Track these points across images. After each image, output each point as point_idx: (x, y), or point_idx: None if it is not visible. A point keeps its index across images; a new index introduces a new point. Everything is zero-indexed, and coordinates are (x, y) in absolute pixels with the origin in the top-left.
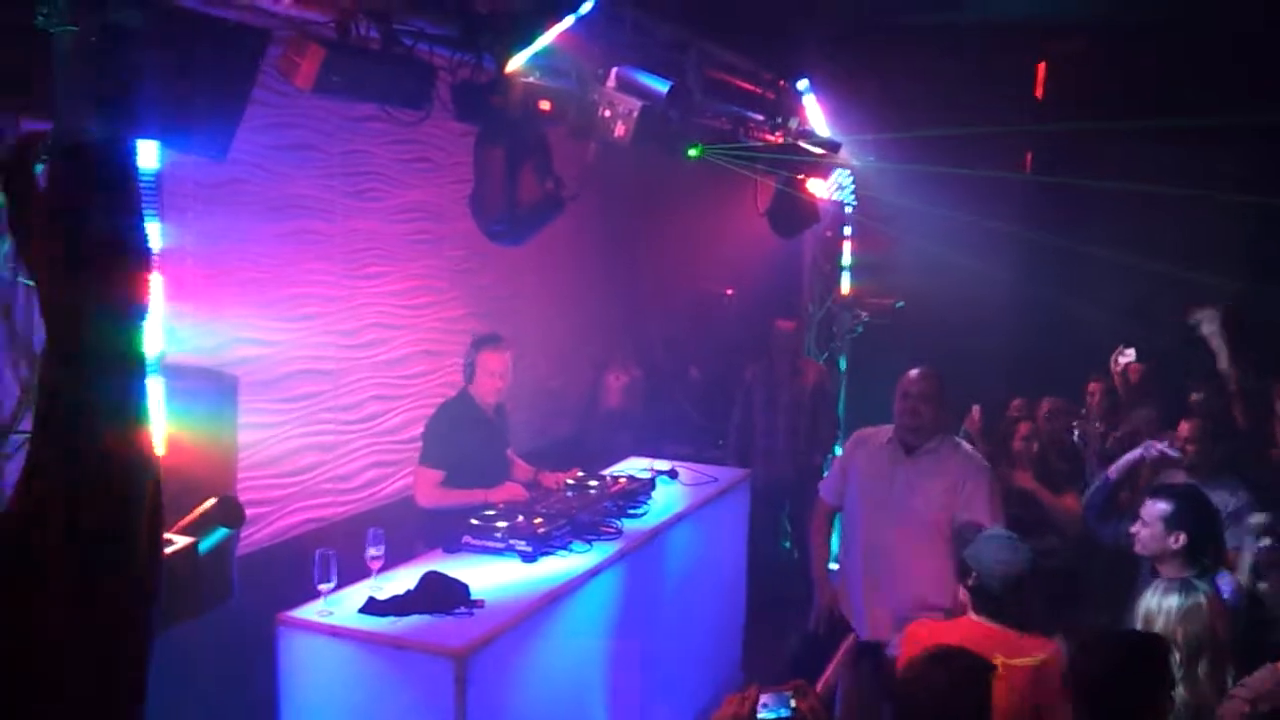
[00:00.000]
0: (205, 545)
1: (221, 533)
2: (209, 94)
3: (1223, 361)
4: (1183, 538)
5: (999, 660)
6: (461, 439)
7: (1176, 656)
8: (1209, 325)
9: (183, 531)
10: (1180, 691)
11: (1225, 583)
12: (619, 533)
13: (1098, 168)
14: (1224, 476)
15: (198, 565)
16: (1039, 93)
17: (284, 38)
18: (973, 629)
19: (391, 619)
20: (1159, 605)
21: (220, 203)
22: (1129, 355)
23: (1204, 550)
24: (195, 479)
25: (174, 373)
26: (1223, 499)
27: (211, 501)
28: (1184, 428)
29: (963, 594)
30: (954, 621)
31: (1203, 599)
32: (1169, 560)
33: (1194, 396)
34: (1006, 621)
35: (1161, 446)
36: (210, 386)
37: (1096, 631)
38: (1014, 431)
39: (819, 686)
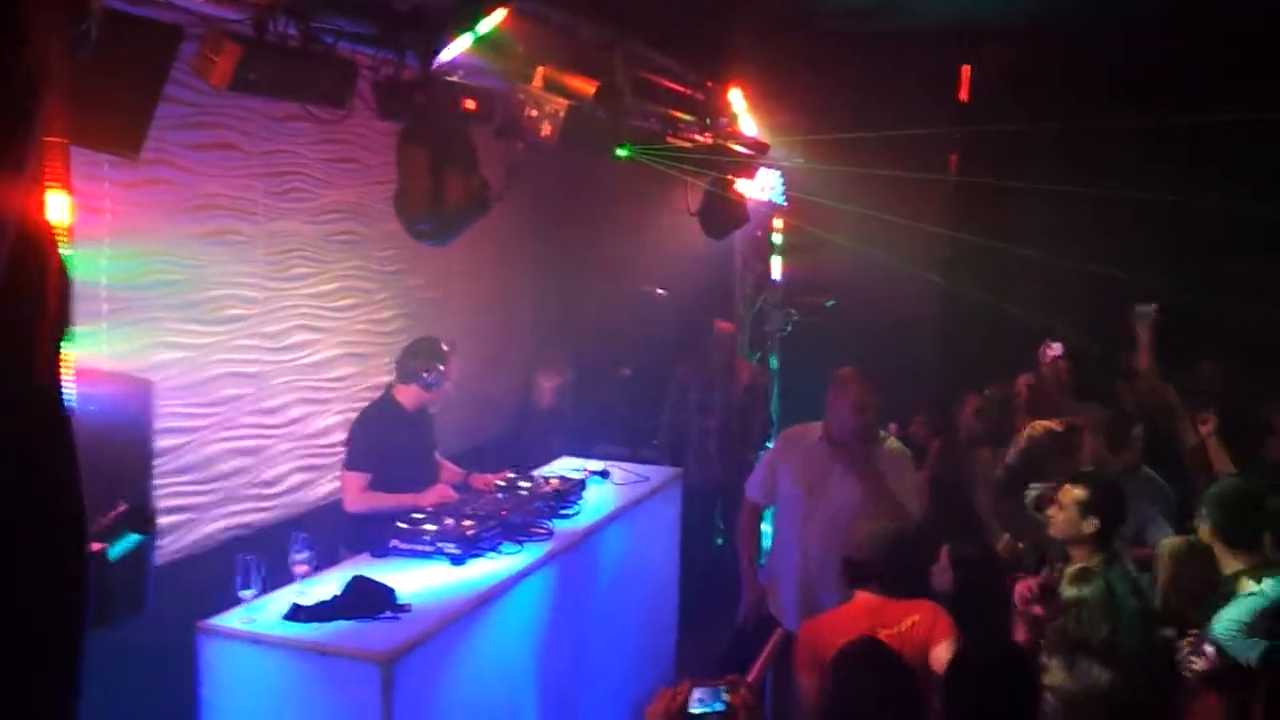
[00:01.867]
0: (115, 552)
1: (132, 539)
2: (120, 91)
3: (1143, 360)
4: (1094, 523)
5: (880, 634)
6: (388, 441)
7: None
8: (1142, 323)
9: (92, 539)
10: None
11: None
12: (550, 534)
13: (1021, 169)
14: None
15: (108, 572)
16: (963, 95)
17: (200, 35)
18: (855, 605)
19: (316, 625)
20: (1066, 593)
21: (137, 203)
22: (1056, 348)
23: (1112, 537)
24: (107, 487)
25: (85, 378)
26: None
27: (120, 507)
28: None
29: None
30: (842, 607)
31: (1098, 592)
32: (1080, 545)
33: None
34: (878, 588)
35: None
36: (123, 391)
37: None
38: (971, 455)
39: (749, 679)
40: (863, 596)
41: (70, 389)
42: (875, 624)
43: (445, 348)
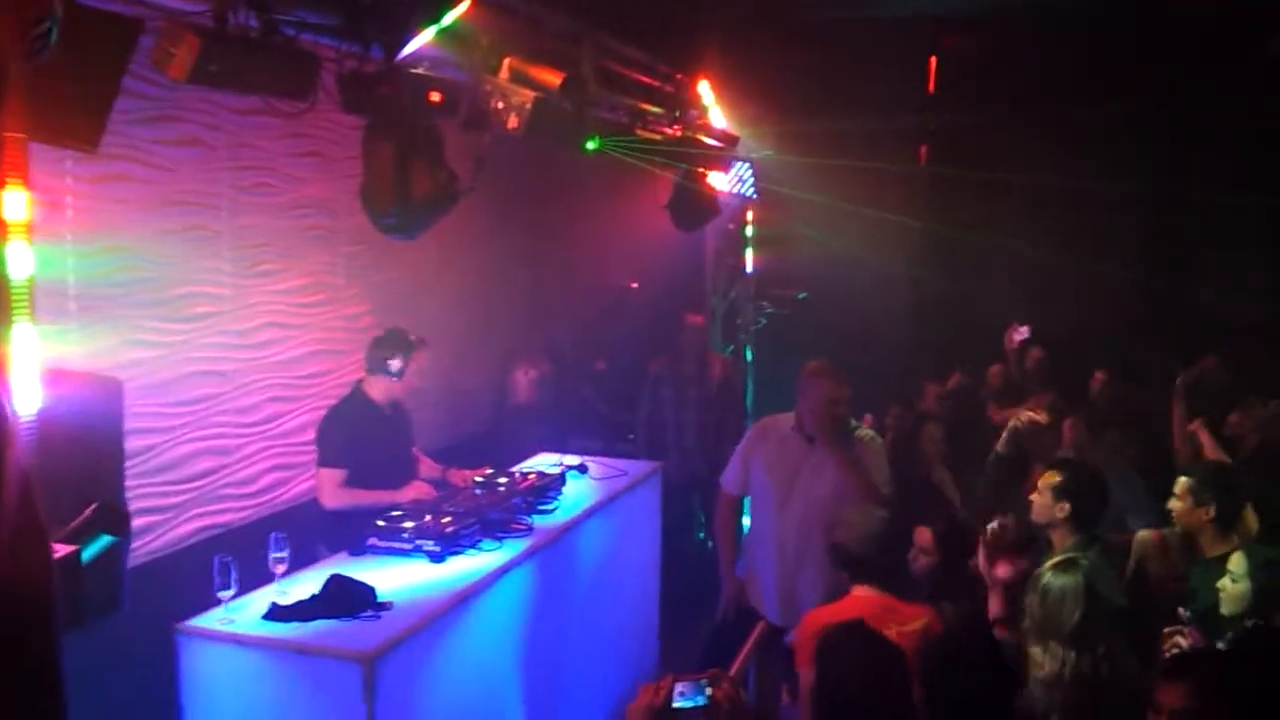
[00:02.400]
0: (88, 553)
1: (105, 540)
2: (78, 84)
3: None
4: (1067, 506)
5: (893, 630)
6: (360, 437)
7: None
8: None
9: (64, 540)
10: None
11: None
12: (529, 530)
13: (990, 159)
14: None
15: (81, 574)
16: (931, 87)
17: (159, 27)
18: (861, 603)
19: (296, 625)
20: (1047, 583)
21: (101, 199)
22: (1023, 332)
23: (1089, 520)
24: (77, 489)
25: (53, 378)
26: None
27: (91, 508)
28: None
29: (841, 575)
30: (843, 601)
31: (1079, 580)
32: (1057, 528)
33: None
34: (883, 585)
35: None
36: (92, 391)
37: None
38: (920, 431)
39: (731, 673)
40: (864, 592)
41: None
42: (885, 620)
43: (413, 339)
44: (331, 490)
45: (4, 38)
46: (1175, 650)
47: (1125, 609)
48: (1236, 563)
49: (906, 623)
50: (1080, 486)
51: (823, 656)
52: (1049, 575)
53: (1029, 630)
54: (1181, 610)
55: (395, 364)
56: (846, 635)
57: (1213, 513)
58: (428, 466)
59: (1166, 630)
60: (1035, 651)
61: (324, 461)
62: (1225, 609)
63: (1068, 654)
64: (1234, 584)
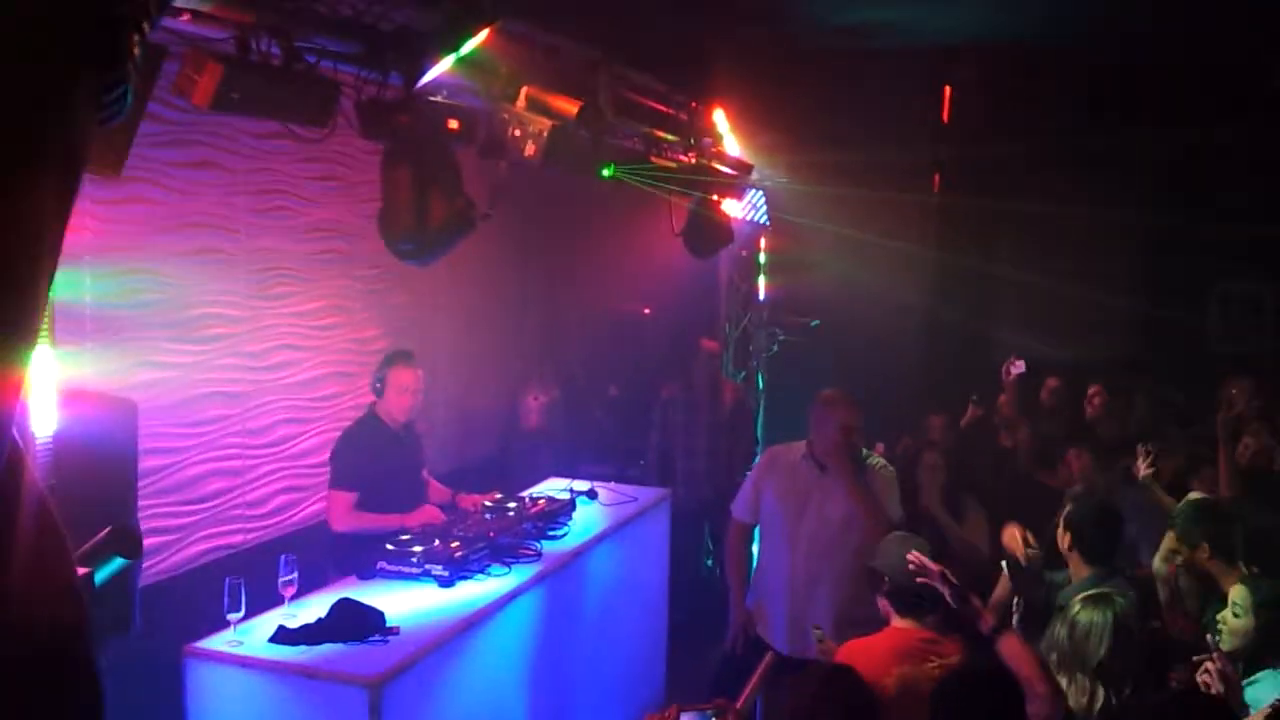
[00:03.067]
0: (100, 576)
1: (118, 563)
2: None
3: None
4: (1068, 537)
5: (934, 663)
6: (372, 460)
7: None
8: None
9: (77, 563)
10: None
11: None
12: (538, 555)
13: (1003, 188)
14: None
15: (93, 596)
16: (944, 116)
17: (182, 54)
18: (900, 636)
19: (303, 648)
20: (1076, 616)
21: (119, 220)
22: (1020, 366)
23: (1097, 550)
24: (91, 508)
25: (69, 399)
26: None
27: (105, 531)
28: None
29: (882, 604)
30: (880, 633)
31: (1109, 615)
32: (1069, 558)
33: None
34: (926, 620)
35: None
36: (107, 412)
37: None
38: (919, 460)
39: (738, 705)
40: (904, 624)
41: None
42: (925, 654)
43: (408, 357)
44: (342, 513)
45: (85, 104)
46: (1206, 677)
47: (1152, 643)
48: (1239, 594)
49: (945, 657)
50: (1082, 514)
51: (795, 697)
52: (1079, 608)
53: (1055, 661)
54: (1210, 636)
55: (379, 384)
56: (819, 679)
57: (1209, 550)
58: (436, 490)
59: (1195, 659)
60: (1062, 682)
61: (336, 484)
62: (1225, 644)
63: (1095, 688)
64: (1235, 618)
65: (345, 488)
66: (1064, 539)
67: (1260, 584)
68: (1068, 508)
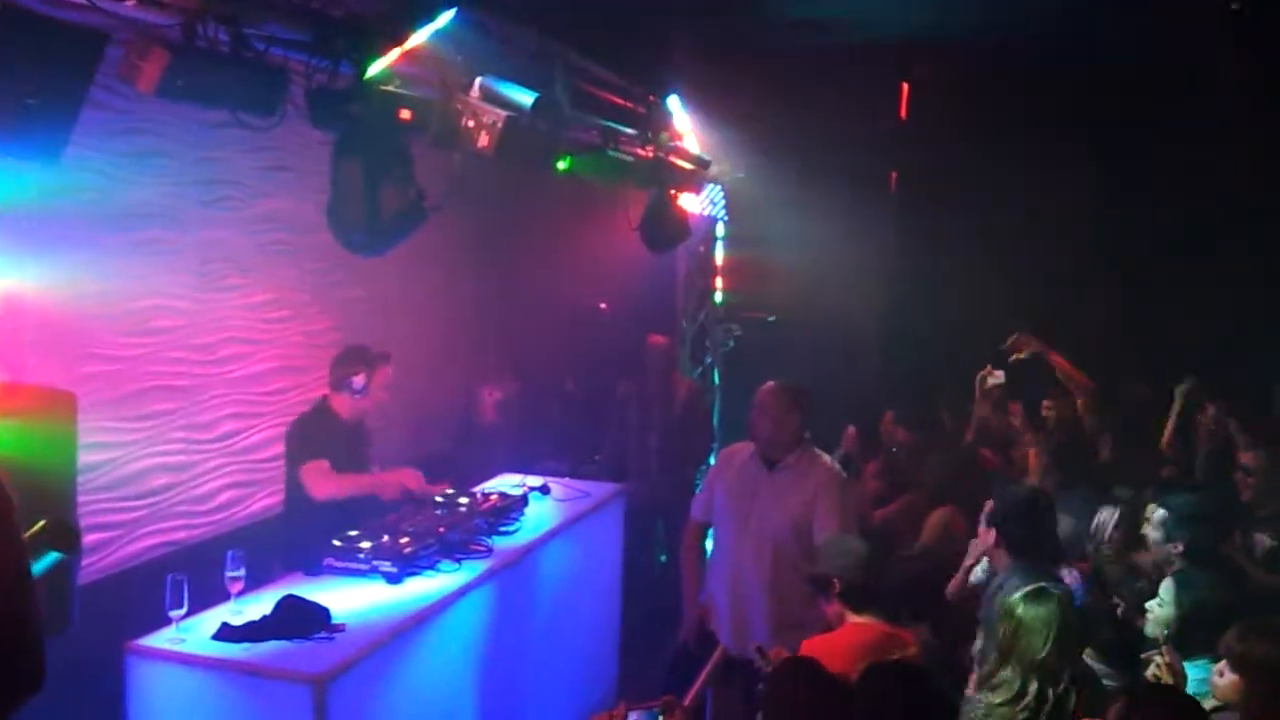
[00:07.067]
0: (36, 570)
1: (52, 557)
2: (41, 95)
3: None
4: (992, 533)
5: (896, 655)
6: (325, 449)
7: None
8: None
9: None
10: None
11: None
12: (489, 551)
13: (960, 186)
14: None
15: None
16: (902, 113)
17: (126, 40)
18: (860, 631)
19: (247, 645)
20: (1020, 613)
21: (62, 210)
22: (998, 376)
23: (1023, 543)
24: (27, 504)
25: (4, 392)
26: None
27: (40, 523)
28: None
29: (834, 606)
30: (838, 631)
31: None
32: (994, 555)
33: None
34: (882, 615)
35: None
36: (44, 405)
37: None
38: (863, 470)
39: (688, 700)
40: (863, 620)
41: None
42: (888, 648)
43: (376, 354)
44: (320, 480)
45: None
46: (1155, 671)
47: (1111, 638)
48: (1165, 588)
49: (905, 648)
50: (1003, 508)
51: (772, 690)
52: (1021, 604)
53: (993, 651)
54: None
55: (358, 381)
56: (791, 671)
57: (1180, 548)
58: None
59: (1143, 655)
60: (1003, 673)
61: (303, 458)
62: (1149, 629)
63: (1029, 681)
64: (1160, 608)
65: (314, 458)
66: (989, 534)
67: (1190, 578)
68: (992, 503)
